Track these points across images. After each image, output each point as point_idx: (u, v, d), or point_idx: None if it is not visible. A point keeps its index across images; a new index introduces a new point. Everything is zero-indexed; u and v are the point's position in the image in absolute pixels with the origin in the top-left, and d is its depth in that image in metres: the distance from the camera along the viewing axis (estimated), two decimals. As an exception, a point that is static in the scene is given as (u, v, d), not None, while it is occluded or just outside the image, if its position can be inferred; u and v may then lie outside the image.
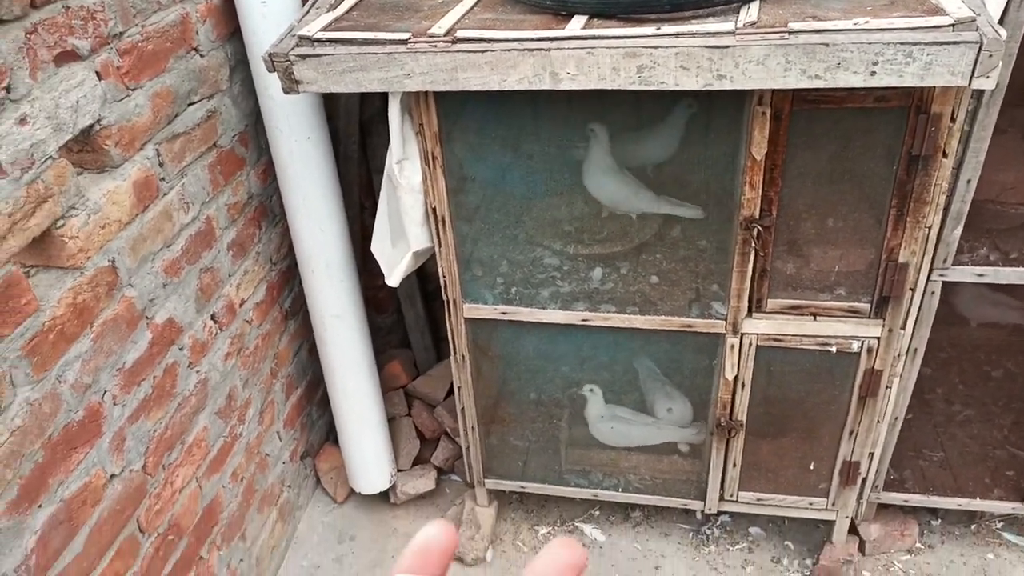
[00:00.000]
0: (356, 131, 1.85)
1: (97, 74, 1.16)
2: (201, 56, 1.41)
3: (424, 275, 2.14)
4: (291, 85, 1.24)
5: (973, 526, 1.94)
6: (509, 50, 1.16)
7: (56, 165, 1.11)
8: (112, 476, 1.29)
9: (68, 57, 1.11)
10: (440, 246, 1.51)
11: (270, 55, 1.21)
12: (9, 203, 1.03)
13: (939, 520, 1.96)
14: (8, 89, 1.01)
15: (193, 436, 1.52)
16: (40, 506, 1.14)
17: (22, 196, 1.05)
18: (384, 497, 2.08)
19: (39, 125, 1.06)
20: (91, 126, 1.17)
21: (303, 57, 1.21)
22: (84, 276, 1.19)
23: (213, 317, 1.55)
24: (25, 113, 1.04)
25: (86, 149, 1.20)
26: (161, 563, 1.46)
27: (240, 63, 1.53)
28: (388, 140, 1.46)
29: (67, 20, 1.09)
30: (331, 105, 1.74)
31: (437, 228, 1.48)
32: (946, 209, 1.38)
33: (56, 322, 1.14)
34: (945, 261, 1.43)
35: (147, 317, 1.34)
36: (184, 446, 1.50)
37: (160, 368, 1.40)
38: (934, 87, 1.20)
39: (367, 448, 1.96)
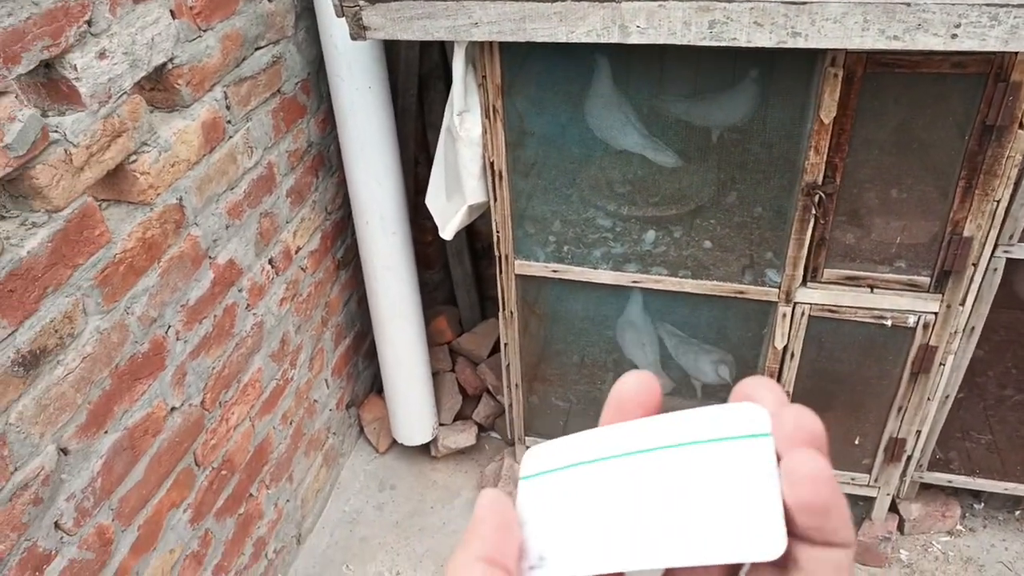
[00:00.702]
0: (415, 84, 1.86)
1: (172, 13, 1.18)
2: (269, 1, 1.42)
3: (473, 233, 2.16)
4: (359, 31, 1.24)
5: (1017, 512, 1.91)
6: (579, 1, 1.15)
7: (131, 101, 1.14)
8: (172, 409, 1.34)
9: (145, -6, 1.13)
10: (496, 200, 1.51)
11: (340, 0, 1.21)
12: (87, 135, 1.06)
13: (982, 504, 1.93)
14: (90, 23, 1.03)
15: (249, 376, 1.56)
16: (106, 432, 1.19)
17: (99, 129, 1.08)
18: (425, 450, 2.12)
19: (117, 60, 1.09)
20: (164, 64, 1.19)
21: (372, 3, 1.21)
22: (153, 212, 1.22)
23: (271, 261, 1.58)
24: (104, 47, 1.06)
25: (158, 87, 1.22)
26: (214, 496, 1.51)
27: (306, 10, 1.54)
28: (445, 95, 1.47)
29: (146, -43, 1.11)
30: (391, 58, 1.74)
31: (494, 182, 1.48)
32: (1017, 183, 1.34)
33: (127, 255, 1.17)
34: (1011, 237, 1.39)
35: (210, 257, 1.38)
36: (240, 385, 1.54)
37: (220, 308, 1.43)
38: (1016, 53, 1.16)
39: (411, 400, 1.99)
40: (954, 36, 1.08)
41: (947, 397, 1.65)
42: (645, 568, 0.29)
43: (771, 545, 0.27)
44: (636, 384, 0.32)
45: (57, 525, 1.11)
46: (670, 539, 0.28)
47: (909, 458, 1.74)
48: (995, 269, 1.44)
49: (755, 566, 0.30)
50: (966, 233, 1.34)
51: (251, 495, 1.65)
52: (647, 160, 1.53)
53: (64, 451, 1.11)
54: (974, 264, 1.40)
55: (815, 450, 0.27)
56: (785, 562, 0.28)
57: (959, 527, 1.89)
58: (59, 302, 1.06)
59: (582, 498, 0.30)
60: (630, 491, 0.29)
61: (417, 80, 1.88)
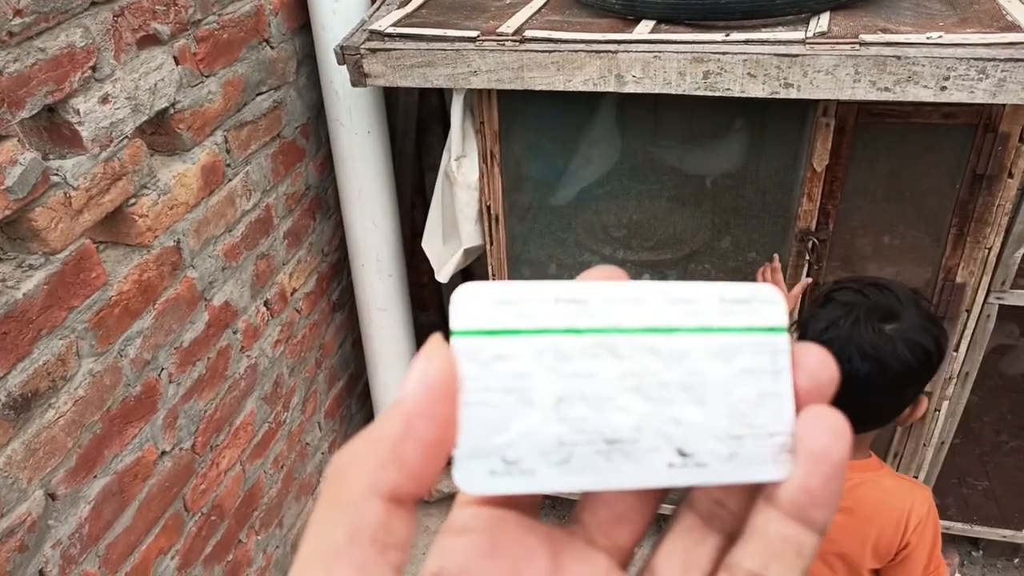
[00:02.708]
0: (413, 129, 1.88)
1: (175, 59, 1.20)
2: (272, 48, 1.44)
3: (469, 276, 2.16)
4: (359, 78, 1.26)
5: (1016, 560, 1.89)
6: (576, 51, 1.17)
7: (132, 145, 1.14)
8: (163, 453, 1.32)
9: (150, 41, 1.14)
10: (491, 244, 1.52)
11: (342, 48, 1.23)
12: (87, 178, 1.06)
13: (980, 551, 1.91)
14: (94, 68, 1.05)
15: (241, 419, 1.55)
16: (95, 477, 1.17)
17: (99, 172, 1.09)
18: (418, 494, 2.09)
19: (119, 105, 1.10)
20: (166, 109, 1.20)
21: (373, 51, 1.23)
22: (150, 254, 1.22)
23: (266, 303, 1.58)
24: (107, 92, 1.08)
25: (160, 131, 1.23)
26: (202, 543, 1.49)
27: (307, 56, 1.56)
28: (443, 139, 1.48)
29: (151, 5, 1.13)
30: (389, 103, 1.76)
31: (490, 226, 1.49)
32: (1008, 231, 1.35)
33: (122, 297, 1.17)
34: (1003, 284, 1.41)
35: (206, 299, 1.37)
36: (231, 428, 1.52)
37: (214, 350, 1.42)
38: (1004, 105, 1.19)
39: (405, 444, 1.97)
40: (943, 88, 1.10)
41: (943, 443, 1.64)
42: (621, 488, 0.24)
43: (775, 467, 0.23)
44: (603, 276, 0.25)
45: (42, 573, 1.08)
46: (657, 453, 0.23)
47: (906, 505, 1.73)
48: (988, 315, 1.45)
49: (689, 517, 0.26)
50: (959, 280, 1.35)
51: (240, 541, 1.62)
52: (642, 204, 1.54)
53: (52, 496, 1.09)
54: (967, 310, 1.41)
55: (835, 411, 0.24)
56: (738, 528, 0.25)
57: (958, 575, 1.87)
58: (53, 344, 1.05)
59: (542, 382, 0.23)
60: (609, 383, 0.23)
61: (415, 125, 1.90)
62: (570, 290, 0.23)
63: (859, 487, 1.08)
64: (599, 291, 0.23)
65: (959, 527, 1.78)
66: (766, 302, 0.24)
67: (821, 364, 0.25)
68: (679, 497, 0.27)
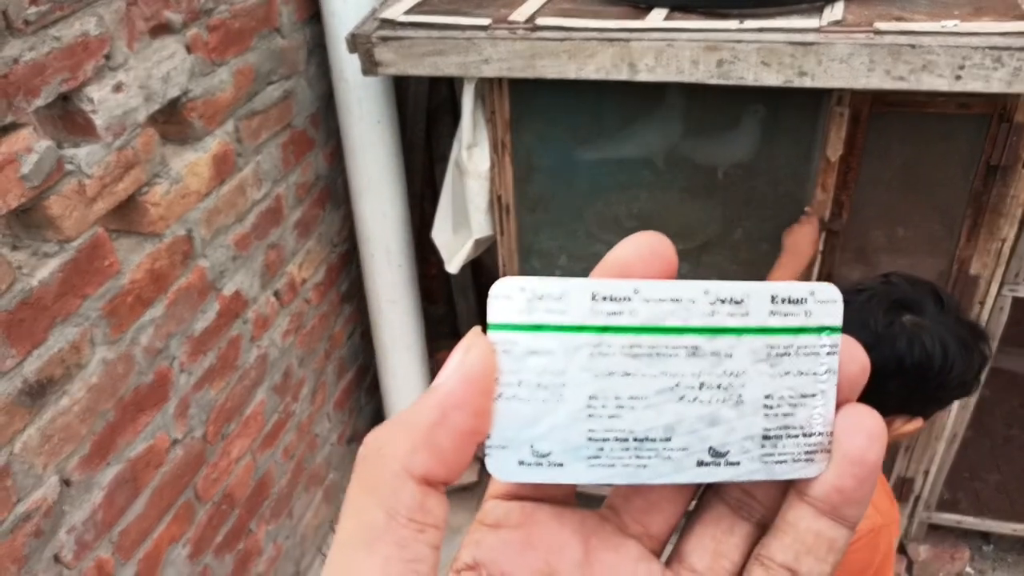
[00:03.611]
0: (423, 119, 1.88)
1: (187, 48, 1.20)
2: (282, 37, 1.44)
3: (478, 267, 2.16)
4: (371, 67, 1.26)
5: (1028, 554, 1.89)
6: (588, 39, 1.17)
7: (144, 133, 1.15)
8: (175, 441, 1.33)
9: (162, 30, 1.14)
10: (502, 235, 1.52)
11: (353, 36, 1.23)
12: (101, 167, 1.07)
13: (991, 546, 1.91)
14: (108, 57, 1.05)
15: (251, 409, 1.55)
16: (108, 464, 1.18)
17: (112, 161, 1.09)
18: (427, 485, 2.09)
19: (132, 93, 1.10)
20: (178, 98, 1.20)
21: (384, 39, 1.23)
22: (162, 243, 1.22)
23: (276, 294, 1.58)
24: (121, 81, 1.08)
25: (172, 120, 1.23)
26: (213, 532, 1.49)
27: (317, 46, 1.56)
28: (453, 129, 1.48)
29: (164, -7, 1.13)
30: (400, 93, 1.76)
31: (501, 216, 1.49)
32: (1022, 222, 1.35)
33: (134, 285, 1.17)
34: (1017, 276, 1.40)
35: (216, 288, 1.37)
36: (242, 418, 1.53)
37: (225, 340, 1.43)
38: (1019, 95, 1.18)
39: (414, 435, 1.97)
40: (958, 77, 1.09)
41: (955, 436, 1.64)
42: (650, 484, 0.24)
43: (808, 466, 0.23)
44: (648, 246, 0.24)
45: (57, 558, 1.09)
46: (689, 451, 0.23)
47: (917, 498, 1.72)
48: (1001, 308, 1.45)
49: (719, 506, 0.26)
50: (972, 272, 1.35)
51: (250, 531, 1.63)
52: (654, 195, 1.54)
53: (67, 483, 1.09)
54: (980, 303, 1.40)
55: (871, 412, 0.24)
56: (768, 518, 0.25)
57: (968, 569, 1.87)
58: (67, 332, 1.06)
59: (575, 380, 0.23)
60: (645, 383, 0.23)
61: (425, 114, 1.90)
62: (611, 288, 0.23)
63: None
64: (642, 289, 0.23)
65: (970, 521, 1.77)
66: (822, 301, 0.23)
67: (851, 357, 0.25)
68: (708, 485, 0.27)
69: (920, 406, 0.93)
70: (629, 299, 0.23)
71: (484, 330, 0.24)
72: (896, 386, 0.89)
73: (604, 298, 0.23)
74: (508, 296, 0.23)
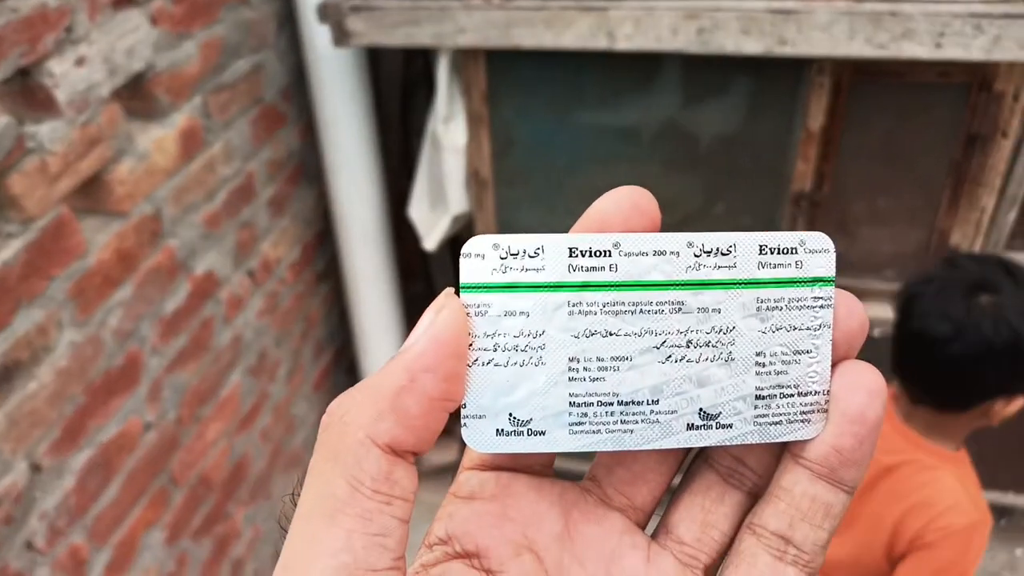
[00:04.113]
0: (398, 93, 1.84)
1: (151, 20, 1.16)
2: (251, 9, 1.40)
3: (457, 243, 2.13)
4: (342, 37, 1.22)
5: (1003, 521, 1.91)
6: (566, 8, 1.14)
7: (108, 109, 1.11)
8: (148, 425, 1.30)
9: (125, 1, 1.10)
10: (480, 210, 1.50)
11: (323, 5, 1.19)
12: (64, 143, 1.03)
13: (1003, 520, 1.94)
14: (69, 29, 1.01)
15: (226, 391, 1.52)
16: (80, 449, 1.15)
17: (76, 137, 1.05)
18: (408, 465, 2.08)
19: (95, 67, 1.06)
20: (143, 72, 1.16)
21: (356, 9, 1.19)
22: (129, 222, 1.18)
23: (249, 273, 1.55)
24: (83, 54, 1.04)
25: (136, 95, 1.19)
26: (190, 516, 1.47)
27: (287, 18, 1.52)
28: (429, 103, 1.45)
29: (124, -40, 1.09)
30: (374, 66, 1.72)
31: (478, 191, 1.47)
32: (1001, 192, 1.35)
33: (102, 266, 1.14)
34: (997, 245, 1.40)
35: (187, 268, 1.34)
36: (217, 400, 1.50)
37: (197, 321, 1.40)
38: (999, 63, 1.17)
39: (394, 415, 1.96)
40: (938, 45, 1.08)
41: (933, 407, 1.65)
42: (637, 449, 0.22)
43: (804, 427, 0.22)
44: (630, 199, 0.23)
45: (29, 545, 1.06)
46: (678, 414, 0.22)
47: (895, 468, 1.74)
48: (979, 278, 1.45)
49: (708, 474, 0.25)
50: (952, 242, 1.34)
51: (228, 514, 1.61)
52: (634, 168, 1.52)
53: (37, 468, 1.06)
54: (959, 273, 1.40)
55: (871, 368, 0.23)
56: (761, 486, 0.24)
57: (945, 537, 1.89)
58: (33, 314, 1.02)
59: (554, 341, 0.21)
60: (628, 342, 0.21)
61: (401, 88, 1.86)
62: (589, 242, 0.22)
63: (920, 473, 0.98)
64: (622, 242, 0.22)
65: (947, 489, 1.79)
66: (814, 251, 0.22)
67: (849, 312, 0.24)
68: (697, 451, 0.26)
69: (1020, 383, 0.91)
70: (609, 253, 0.22)
71: (458, 292, 0.22)
72: (991, 370, 0.87)
73: (582, 252, 0.22)
74: (480, 254, 0.22)
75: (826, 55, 1.12)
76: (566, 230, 0.24)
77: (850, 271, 1.45)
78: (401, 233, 1.96)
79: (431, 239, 1.57)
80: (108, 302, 1.16)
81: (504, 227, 1.56)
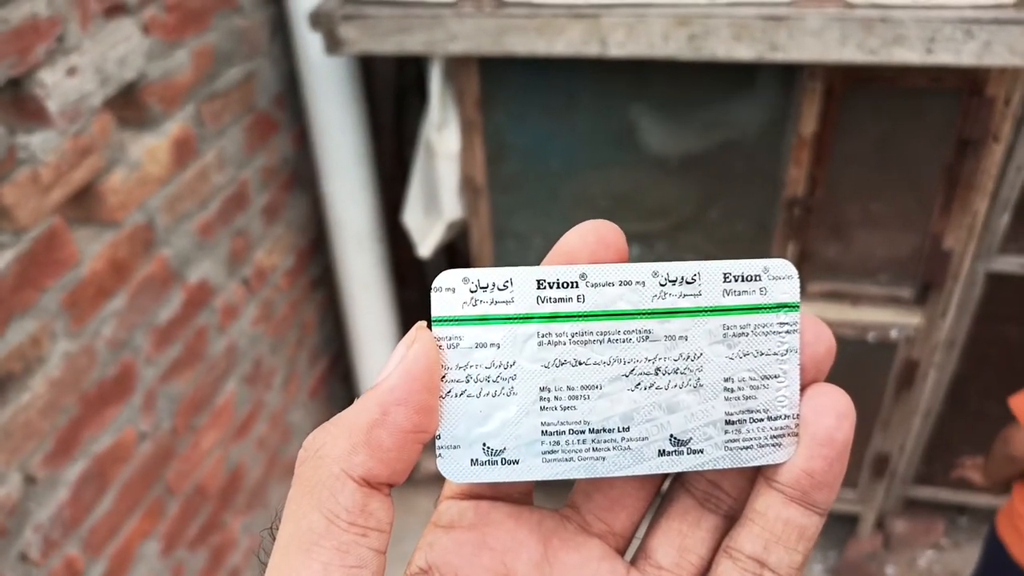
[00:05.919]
0: (391, 100, 1.84)
1: (143, 29, 1.16)
2: (243, 16, 1.40)
3: (452, 250, 2.13)
4: (334, 45, 1.23)
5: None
6: (557, 15, 1.14)
7: (100, 118, 1.11)
8: (143, 435, 1.29)
9: (117, 10, 1.10)
10: (474, 216, 1.50)
11: (316, 13, 1.19)
12: (56, 153, 1.03)
13: (965, 517, 1.93)
14: (60, 39, 1.01)
15: (221, 400, 1.52)
16: (74, 460, 1.14)
17: (68, 147, 1.05)
18: (405, 472, 2.08)
19: (87, 77, 1.06)
20: (135, 81, 1.16)
21: (348, 17, 1.19)
22: (122, 232, 1.18)
23: (244, 281, 1.55)
24: (74, 64, 1.04)
25: (129, 104, 1.19)
26: (185, 526, 1.46)
27: (280, 26, 1.52)
28: (423, 110, 1.45)
29: (116, -29, 1.09)
30: (367, 73, 1.72)
31: (472, 198, 1.47)
32: (994, 196, 1.35)
33: (95, 276, 1.13)
34: (990, 249, 1.40)
35: (181, 277, 1.34)
36: (212, 409, 1.50)
37: (191, 330, 1.39)
38: (990, 68, 1.17)
39: (390, 422, 1.96)
40: (929, 51, 1.08)
41: (930, 411, 1.65)
42: (610, 476, 0.23)
43: (775, 451, 0.22)
44: (595, 232, 0.24)
45: (24, 557, 1.06)
46: (649, 441, 0.22)
47: (893, 473, 1.74)
48: (974, 282, 1.45)
49: (685, 499, 0.25)
50: (946, 246, 1.35)
51: (224, 523, 1.60)
52: (628, 174, 1.52)
53: (31, 480, 1.06)
54: (954, 277, 1.40)
55: (838, 391, 0.23)
56: (736, 509, 0.25)
57: (944, 541, 1.89)
58: (26, 325, 1.02)
59: (524, 372, 0.22)
60: (597, 371, 0.22)
61: (394, 95, 1.87)
62: (556, 274, 0.22)
63: None
64: (588, 273, 0.22)
65: (946, 494, 1.79)
66: (777, 277, 0.23)
67: (817, 336, 0.24)
68: (673, 476, 0.26)
69: None
70: (576, 284, 0.22)
71: (430, 325, 0.22)
72: None
73: (550, 284, 0.22)
74: (451, 288, 0.22)
75: (817, 60, 1.13)
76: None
77: (843, 276, 1.45)
78: (395, 240, 1.96)
79: (425, 246, 1.57)
80: (101, 312, 1.16)
81: (499, 233, 1.56)
